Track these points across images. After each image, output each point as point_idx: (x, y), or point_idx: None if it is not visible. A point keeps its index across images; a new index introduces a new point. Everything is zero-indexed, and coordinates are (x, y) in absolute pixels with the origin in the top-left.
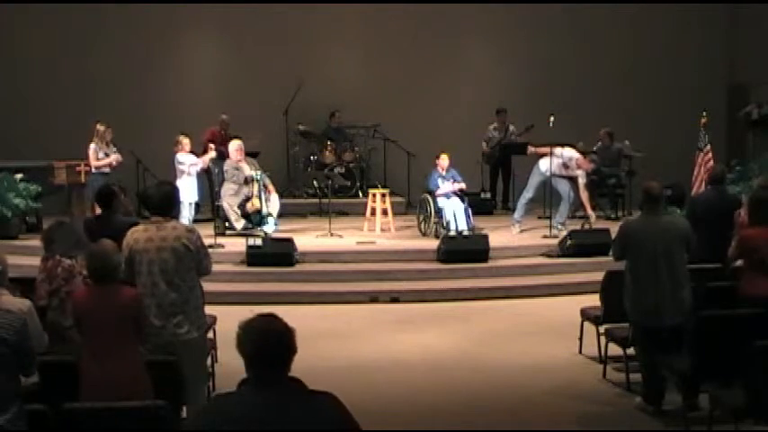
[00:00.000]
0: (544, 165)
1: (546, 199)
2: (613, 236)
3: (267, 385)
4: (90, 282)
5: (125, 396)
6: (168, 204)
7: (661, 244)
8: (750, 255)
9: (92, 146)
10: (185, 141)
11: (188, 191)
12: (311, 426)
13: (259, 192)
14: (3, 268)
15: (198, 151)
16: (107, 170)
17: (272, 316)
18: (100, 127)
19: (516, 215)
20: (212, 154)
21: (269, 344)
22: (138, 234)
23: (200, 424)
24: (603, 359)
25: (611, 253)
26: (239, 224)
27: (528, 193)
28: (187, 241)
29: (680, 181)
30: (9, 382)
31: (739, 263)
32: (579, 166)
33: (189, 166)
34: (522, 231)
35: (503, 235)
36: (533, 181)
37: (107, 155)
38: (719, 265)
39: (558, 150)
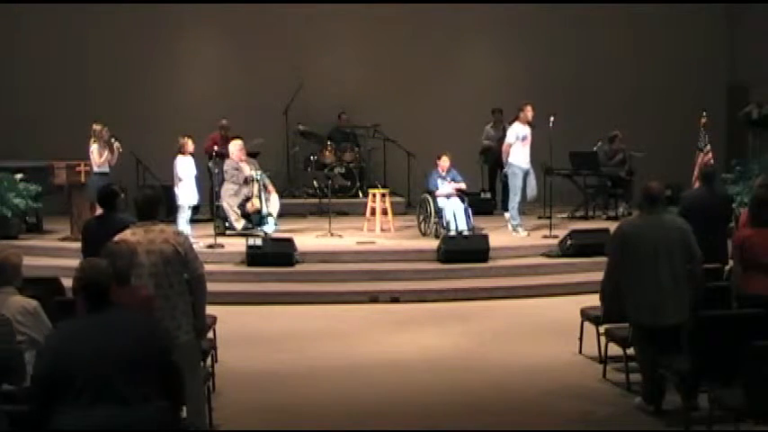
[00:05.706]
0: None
1: (546, 199)
2: None
3: (98, 311)
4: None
5: None
6: (151, 208)
7: (662, 244)
8: (746, 254)
9: (94, 146)
10: (188, 142)
11: (187, 194)
12: (131, 333)
13: (259, 192)
14: (8, 266)
15: (200, 153)
16: (107, 170)
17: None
18: (96, 126)
19: (515, 221)
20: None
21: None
22: (125, 238)
23: (50, 345)
24: (603, 359)
25: (606, 252)
26: (239, 224)
27: (517, 196)
28: (174, 243)
29: (680, 181)
30: None
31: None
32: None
33: (186, 175)
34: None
35: (503, 235)
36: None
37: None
38: (715, 264)
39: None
